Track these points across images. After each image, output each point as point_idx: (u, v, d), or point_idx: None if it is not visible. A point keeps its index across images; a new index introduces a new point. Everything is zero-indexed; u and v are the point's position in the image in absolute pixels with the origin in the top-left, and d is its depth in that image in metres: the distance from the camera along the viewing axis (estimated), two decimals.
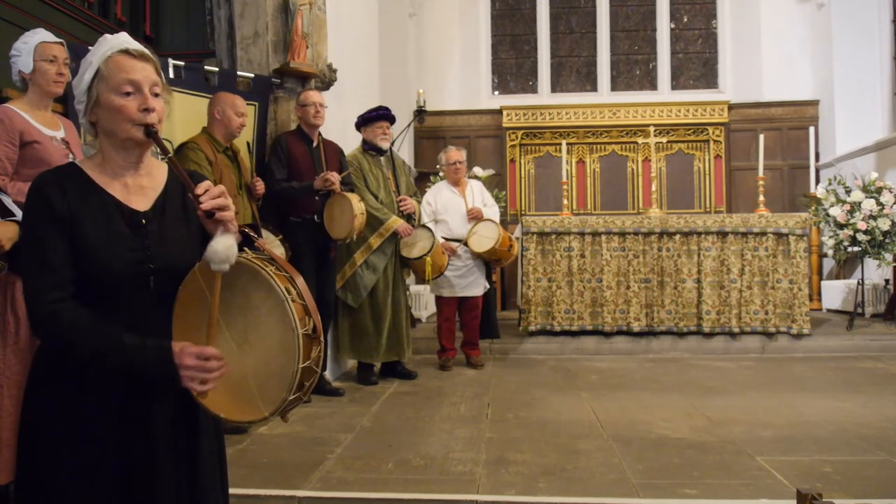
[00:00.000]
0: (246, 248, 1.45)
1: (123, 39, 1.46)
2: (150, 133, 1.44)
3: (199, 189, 1.38)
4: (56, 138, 2.76)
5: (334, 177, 4.22)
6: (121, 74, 1.43)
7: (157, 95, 1.46)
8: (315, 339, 1.35)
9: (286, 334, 1.32)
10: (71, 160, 1.96)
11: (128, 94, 1.43)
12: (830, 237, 6.60)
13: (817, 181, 7.57)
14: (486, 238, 5.21)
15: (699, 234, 6.01)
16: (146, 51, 1.48)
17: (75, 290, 1.39)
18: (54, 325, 1.37)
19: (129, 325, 1.43)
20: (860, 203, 6.32)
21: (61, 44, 2.83)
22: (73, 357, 1.40)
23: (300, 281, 1.38)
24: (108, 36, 1.48)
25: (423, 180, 7.71)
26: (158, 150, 1.46)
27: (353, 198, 4.24)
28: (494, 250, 5.18)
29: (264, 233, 3.98)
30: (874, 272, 6.86)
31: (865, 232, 6.26)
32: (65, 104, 3.30)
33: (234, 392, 1.39)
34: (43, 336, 1.41)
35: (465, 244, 5.26)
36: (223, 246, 1.33)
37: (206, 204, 1.37)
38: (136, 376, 1.41)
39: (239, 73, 4.47)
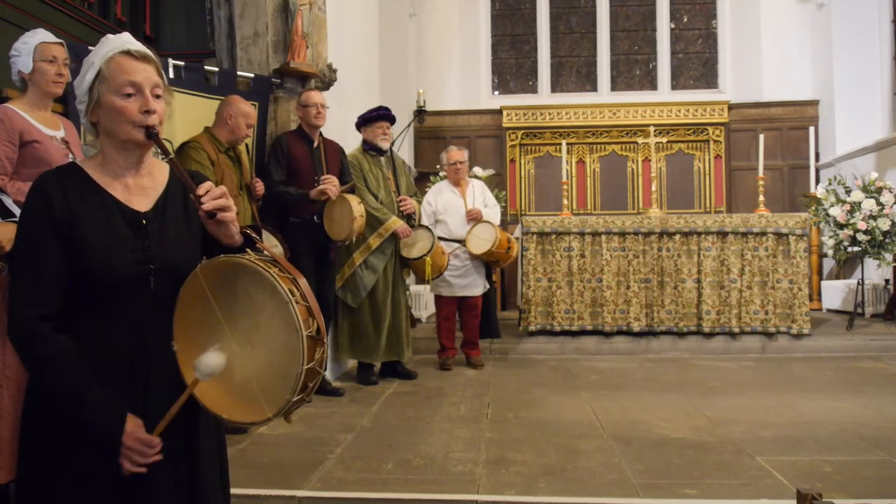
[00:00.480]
0: (248, 250, 1.45)
1: (126, 40, 1.46)
2: (151, 135, 1.44)
3: (201, 190, 1.39)
4: (56, 138, 2.76)
5: (331, 190, 4.20)
6: (122, 76, 1.43)
7: (158, 97, 1.46)
8: (319, 340, 1.35)
9: (290, 336, 1.31)
10: (71, 160, 1.96)
11: (129, 95, 1.43)
12: (830, 237, 6.60)
13: (817, 181, 7.57)
14: (482, 240, 5.19)
15: (699, 234, 6.01)
16: (148, 52, 1.48)
17: (64, 300, 1.40)
18: (31, 346, 1.38)
19: (129, 326, 1.44)
20: (860, 203, 6.32)
21: (61, 44, 2.83)
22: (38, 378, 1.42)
23: (303, 282, 1.38)
24: (110, 36, 1.48)
25: (423, 180, 7.70)
26: (159, 151, 1.46)
27: (354, 199, 4.23)
28: (491, 252, 5.17)
29: (263, 233, 3.98)
30: (874, 272, 6.86)
31: (865, 232, 6.26)
32: (65, 104, 3.30)
33: (237, 393, 1.39)
34: (16, 347, 1.41)
35: (464, 245, 5.26)
36: (216, 363, 1.37)
37: (208, 205, 1.38)
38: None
39: (239, 73, 4.47)
